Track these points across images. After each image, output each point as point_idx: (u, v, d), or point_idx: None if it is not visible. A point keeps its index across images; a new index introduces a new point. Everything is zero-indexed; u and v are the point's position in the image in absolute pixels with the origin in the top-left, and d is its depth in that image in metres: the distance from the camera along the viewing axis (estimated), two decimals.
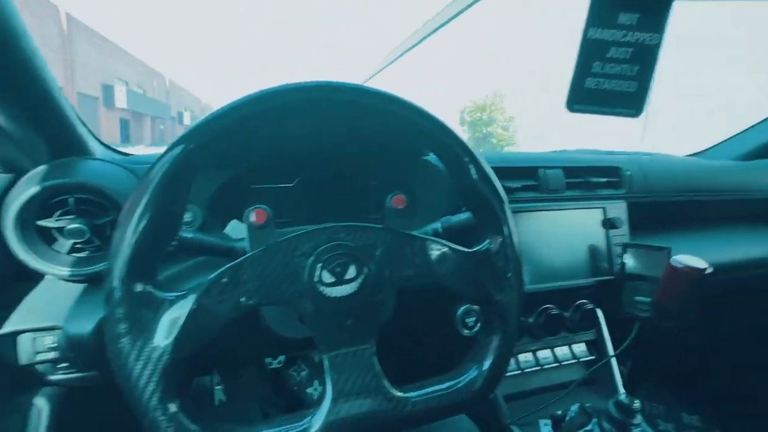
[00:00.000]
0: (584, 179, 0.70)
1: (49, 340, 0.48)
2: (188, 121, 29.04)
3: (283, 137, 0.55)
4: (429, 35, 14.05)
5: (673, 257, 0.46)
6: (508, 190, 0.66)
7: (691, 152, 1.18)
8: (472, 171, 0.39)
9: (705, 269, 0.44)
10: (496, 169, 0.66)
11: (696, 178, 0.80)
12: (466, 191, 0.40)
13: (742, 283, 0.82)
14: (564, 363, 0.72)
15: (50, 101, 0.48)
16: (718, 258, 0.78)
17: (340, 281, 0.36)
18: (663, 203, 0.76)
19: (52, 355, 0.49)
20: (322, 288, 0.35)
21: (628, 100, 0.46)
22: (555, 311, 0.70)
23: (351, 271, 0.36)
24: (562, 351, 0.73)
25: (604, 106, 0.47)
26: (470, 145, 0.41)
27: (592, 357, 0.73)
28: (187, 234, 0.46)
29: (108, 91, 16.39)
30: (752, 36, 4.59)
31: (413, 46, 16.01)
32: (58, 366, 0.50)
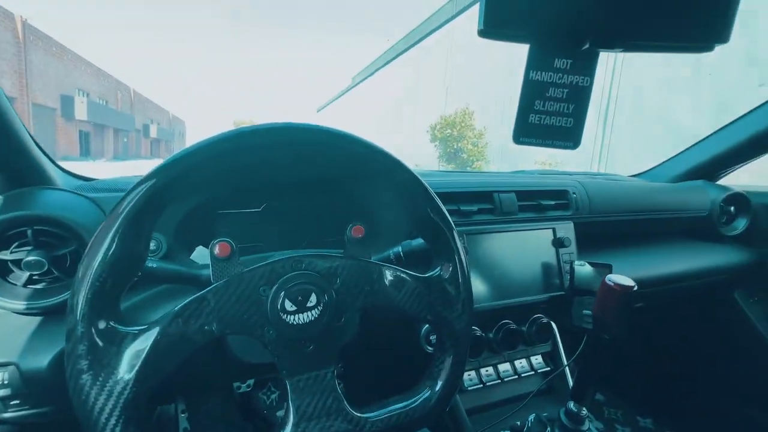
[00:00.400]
0: (535, 202, 0.76)
1: (0, 376, 0.47)
2: (154, 134, 28.02)
3: (251, 166, 0.57)
4: (396, 57, 14.46)
5: (607, 276, 0.51)
6: (466, 214, 0.70)
7: (636, 173, 1.29)
8: (424, 204, 0.43)
9: (632, 287, 0.50)
10: (455, 195, 0.72)
11: (633, 198, 0.89)
12: (419, 221, 0.44)
13: (675, 293, 0.91)
14: (523, 375, 0.76)
15: (3, 128, 0.47)
16: (654, 272, 0.86)
17: (301, 309, 0.38)
18: (605, 222, 0.83)
19: (2, 392, 0.47)
20: (284, 316, 0.37)
21: (567, 134, 0.52)
22: (513, 326, 0.74)
23: (312, 299, 0.38)
24: (521, 363, 0.77)
25: (545, 140, 0.52)
26: (429, 173, 0.45)
27: (549, 368, 0.78)
28: (151, 264, 0.47)
29: (67, 102, 15.62)
30: (692, 63, 5.09)
31: (379, 68, 16.40)
32: (10, 403, 0.48)
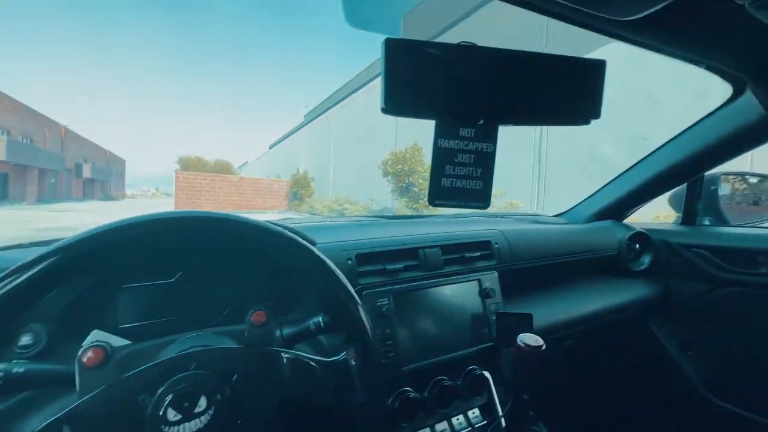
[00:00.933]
0: (460, 255, 0.79)
1: None
2: (88, 174, 25.90)
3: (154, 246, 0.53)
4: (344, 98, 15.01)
5: (519, 336, 0.53)
6: (392, 273, 0.71)
7: (558, 212, 1.40)
8: (329, 282, 0.42)
9: (541, 346, 0.52)
10: (380, 254, 0.72)
11: (551, 243, 0.95)
12: (324, 299, 0.43)
13: (597, 328, 0.97)
14: None
15: None
16: (577, 312, 0.91)
17: (187, 417, 0.34)
18: (527, 269, 0.88)
19: None
20: (165, 429, 0.33)
21: (477, 196, 0.56)
22: (447, 382, 0.74)
23: (201, 403, 0.35)
24: (458, 420, 0.76)
25: (459, 201, 0.55)
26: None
27: (485, 421, 0.78)
28: (16, 368, 0.40)
29: None
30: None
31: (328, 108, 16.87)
32: None
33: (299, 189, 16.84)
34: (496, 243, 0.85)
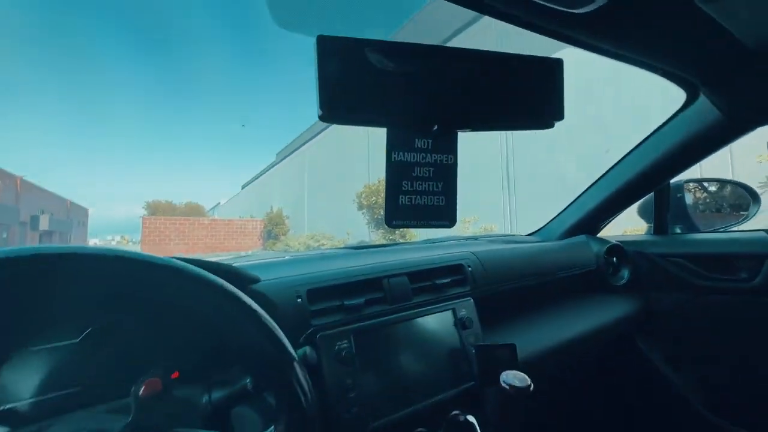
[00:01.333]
0: (430, 282, 0.71)
1: None
2: (45, 225, 24.35)
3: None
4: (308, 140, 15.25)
5: (503, 374, 0.45)
6: (352, 309, 0.61)
7: (531, 231, 1.37)
8: (255, 333, 0.33)
9: (528, 386, 0.44)
10: (337, 287, 0.62)
11: (527, 263, 0.89)
12: (246, 354, 0.33)
13: (584, 351, 0.89)
14: None
15: None
16: (560, 337, 0.84)
17: None
18: (504, 292, 0.81)
19: None
20: None
21: (440, 213, 0.48)
22: None
23: None
24: None
25: (420, 220, 0.47)
26: None
27: None
28: None
29: None
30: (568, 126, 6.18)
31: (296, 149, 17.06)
32: None
33: (273, 227, 16.48)
34: (469, 266, 0.77)
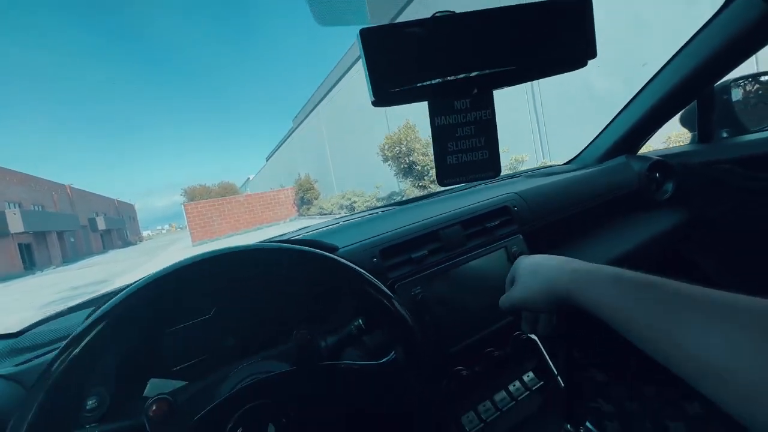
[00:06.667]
0: (481, 226, 0.78)
1: None
2: (103, 226, 26.57)
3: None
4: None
5: None
6: (418, 261, 0.70)
7: (567, 160, 1.37)
8: (361, 286, 0.42)
9: None
10: (402, 244, 0.72)
11: (569, 194, 0.93)
12: (360, 304, 0.43)
13: (633, 266, 0.95)
14: (520, 398, 0.75)
15: None
16: (609, 255, 0.90)
17: None
18: (550, 224, 0.86)
19: None
20: None
21: (485, 166, 0.54)
22: (496, 353, 0.74)
23: (270, 430, 0.36)
24: (515, 386, 0.76)
25: (468, 175, 0.54)
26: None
27: (542, 382, 0.78)
28: None
29: None
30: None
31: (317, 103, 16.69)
32: None
33: (305, 193, 16.94)
34: (515, 206, 0.83)
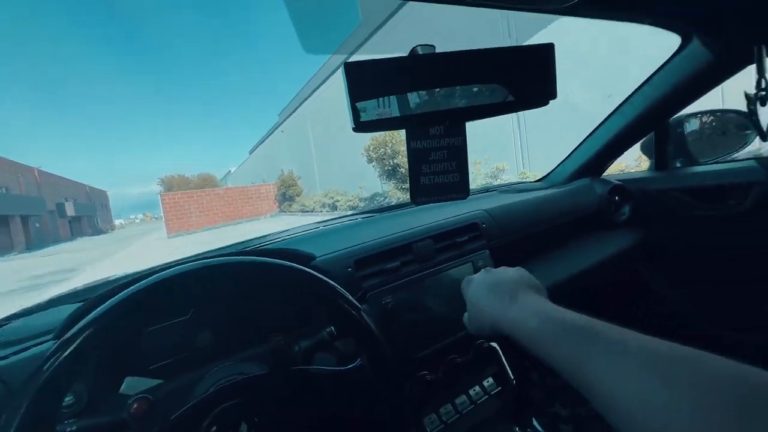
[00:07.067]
0: (451, 241, 0.83)
1: None
2: (72, 212, 25.40)
3: None
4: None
5: None
6: (392, 271, 0.75)
7: (541, 177, 1.45)
8: (330, 297, 0.46)
9: None
10: (377, 255, 0.76)
11: (535, 213, 1.00)
12: (329, 312, 0.47)
13: (591, 283, 1.03)
14: (479, 402, 0.81)
15: None
16: (569, 271, 0.97)
17: None
18: (516, 241, 0.93)
19: None
20: None
21: (456, 188, 0.59)
22: (459, 359, 0.79)
23: (243, 430, 0.39)
24: (474, 391, 0.82)
25: (440, 196, 0.59)
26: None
27: (500, 387, 0.84)
28: (69, 428, 0.44)
29: None
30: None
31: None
32: None
33: (287, 189, 16.76)
34: (483, 223, 0.89)
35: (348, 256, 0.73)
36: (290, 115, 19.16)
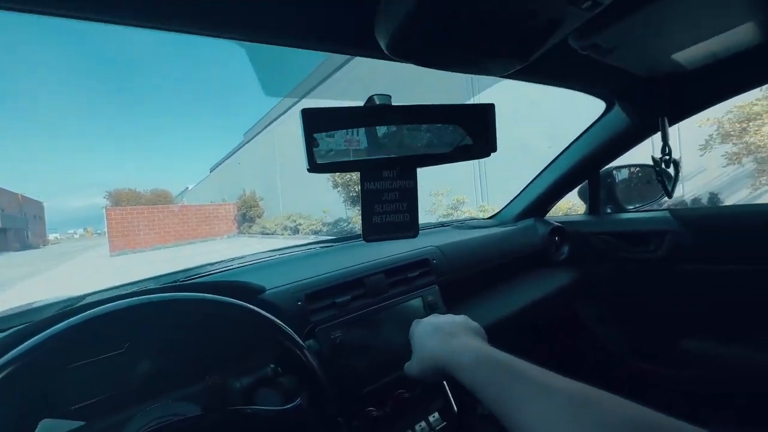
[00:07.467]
0: (403, 276, 0.86)
1: None
2: None
3: None
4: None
5: None
6: (342, 305, 0.76)
7: (492, 215, 1.55)
8: (272, 334, 0.47)
9: None
10: (328, 289, 0.77)
11: (483, 250, 1.07)
12: (271, 351, 0.47)
13: (533, 318, 1.10)
14: None
15: None
16: (513, 308, 1.03)
17: None
18: (465, 278, 0.98)
19: None
20: None
21: (406, 227, 0.63)
22: (406, 394, 0.80)
23: None
24: (420, 426, 0.83)
25: (390, 234, 0.62)
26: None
27: (445, 422, 0.86)
28: None
29: None
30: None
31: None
32: None
33: (248, 210, 16.26)
34: (434, 259, 0.94)
35: (299, 289, 0.73)
36: (257, 135, 18.92)
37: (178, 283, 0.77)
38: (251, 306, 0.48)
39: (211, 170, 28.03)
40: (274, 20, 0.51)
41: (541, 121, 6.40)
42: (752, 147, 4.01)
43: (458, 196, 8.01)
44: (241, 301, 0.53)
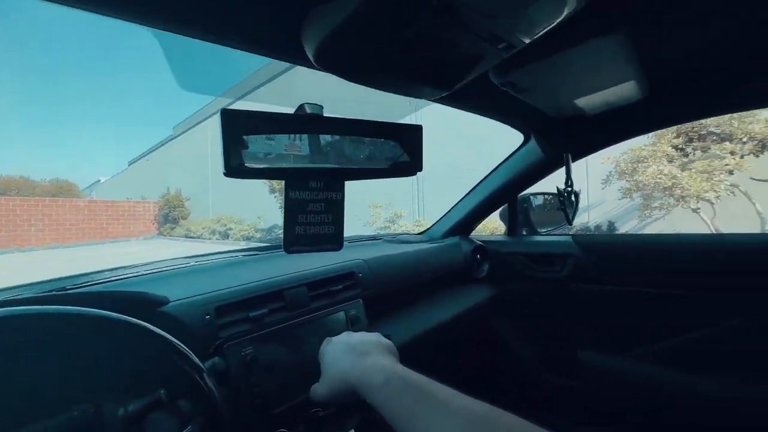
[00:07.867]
0: (326, 289, 0.84)
1: None
2: None
3: None
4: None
5: None
6: (257, 319, 0.71)
7: (422, 230, 1.60)
8: (183, 366, 0.42)
9: None
10: (243, 302, 0.72)
11: (409, 266, 1.10)
12: (178, 381, 0.42)
13: (453, 331, 1.15)
14: None
15: None
16: (434, 322, 1.06)
17: None
18: (389, 292, 0.99)
19: None
20: None
21: (330, 239, 0.61)
22: (321, 413, 0.77)
23: None
24: None
25: (313, 246, 0.59)
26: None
27: None
28: None
29: None
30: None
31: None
32: None
33: (171, 210, 14.83)
34: (360, 273, 0.93)
35: (208, 301, 0.67)
36: (188, 130, 17.49)
37: (60, 292, 0.66)
38: (137, 321, 0.43)
39: (130, 164, 25.17)
40: (192, 11, 0.48)
41: (476, 142, 6.88)
42: (641, 185, 4.73)
43: (396, 210, 8.21)
44: (136, 314, 0.47)
